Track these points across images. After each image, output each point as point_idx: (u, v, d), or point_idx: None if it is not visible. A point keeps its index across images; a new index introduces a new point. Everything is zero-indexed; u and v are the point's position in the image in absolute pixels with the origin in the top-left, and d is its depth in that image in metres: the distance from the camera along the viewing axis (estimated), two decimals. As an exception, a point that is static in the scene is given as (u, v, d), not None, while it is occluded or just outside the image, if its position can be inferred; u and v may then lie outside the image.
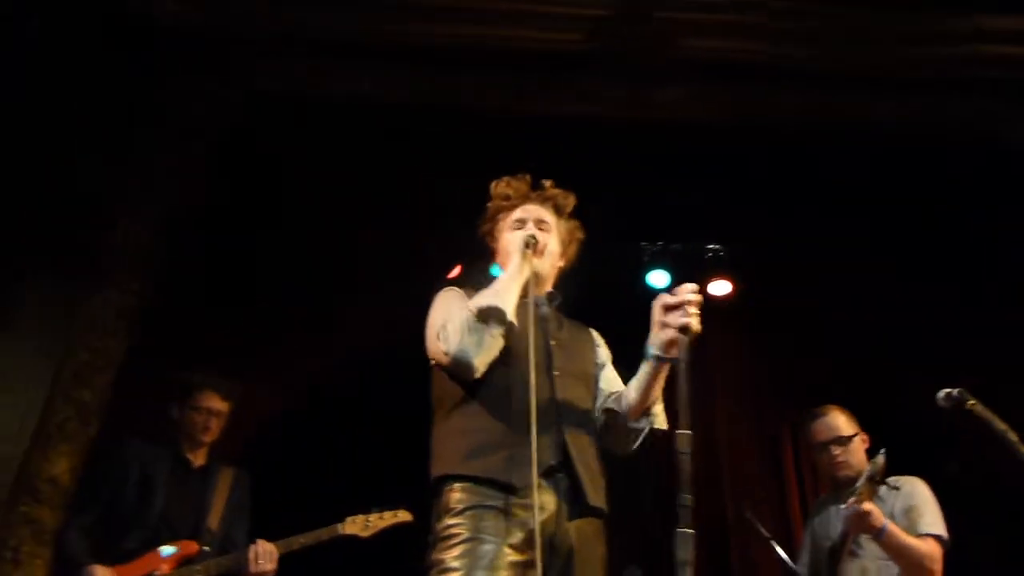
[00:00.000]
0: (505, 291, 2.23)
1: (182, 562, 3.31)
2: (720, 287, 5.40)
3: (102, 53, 4.03)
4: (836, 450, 3.42)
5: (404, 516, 3.55)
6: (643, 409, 2.28)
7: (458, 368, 2.18)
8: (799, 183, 4.82)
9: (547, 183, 2.60)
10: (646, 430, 2.30)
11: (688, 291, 2.06)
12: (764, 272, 5.35)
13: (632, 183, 4.44)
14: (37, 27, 3.77)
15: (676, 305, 2.05)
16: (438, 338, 2.22)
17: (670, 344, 2.10)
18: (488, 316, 2.15)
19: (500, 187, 2.60)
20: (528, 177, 2.59)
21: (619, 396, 2.36)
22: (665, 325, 2.08)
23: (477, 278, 4.06)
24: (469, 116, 4.43)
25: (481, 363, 2.15)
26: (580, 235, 2.64)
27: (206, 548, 3.38)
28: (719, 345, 5.71)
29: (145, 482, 3.40)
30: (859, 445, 3.44)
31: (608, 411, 2.36)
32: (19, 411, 3.66)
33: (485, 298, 2.20)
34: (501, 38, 4.11)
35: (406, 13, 4.04)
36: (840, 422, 3.47)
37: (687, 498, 1.76)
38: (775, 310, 5.54)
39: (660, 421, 2.31)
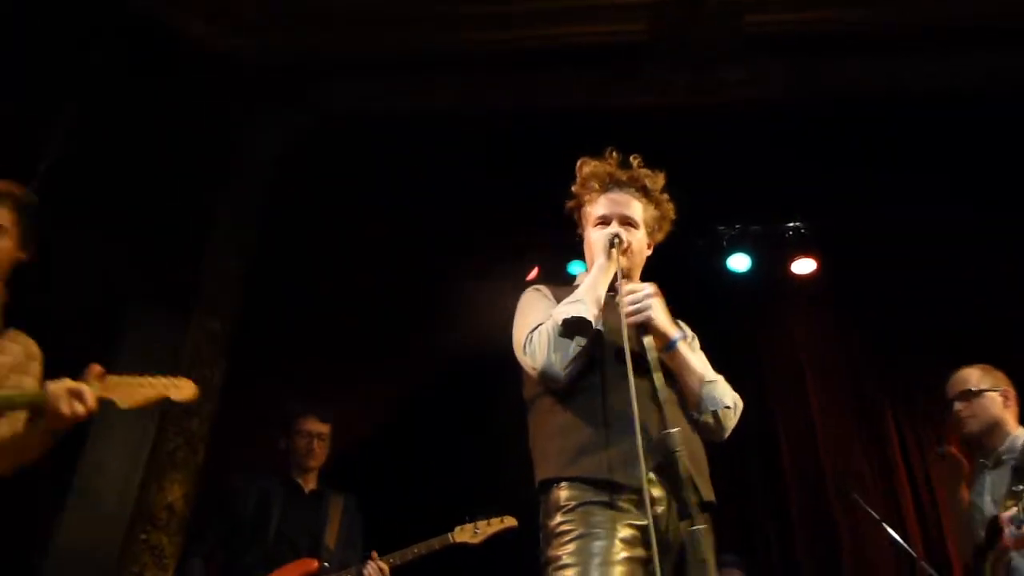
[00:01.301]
0: (589, 296, 2.20)
1: None
2: (804, 265, 5.28)
3: (177, 91, 4.20)
4: (959, 405, 3.22)
5: (510, 522, 3.63)
6: (693, 397, 2.25)
7: (545, 380, 2.20)
8: (877, 151, 4.66)
9: (635, 161, 2.49)
10: (710, 416, 2.25)
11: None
12: (849, 246, 5.19)
13: (705, 168, 4.35)
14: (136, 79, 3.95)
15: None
16: (524, 351, 2.23)
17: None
18: (573, 330, 2.14)
19: (586, 168, 2.50)
20: (615, 156, 2.49)
21: None
22: None
23: (556, 277, 4.09)
24: (537, 119, 4.43)
25: (567, 374, 2.16)
26: (671, 215, 2.52)
27: (326, 564, 3.50)
28: (806, 324, 5.58)
29: (261, 507, 3.57)
30: (990, 402, 3.18)
31: None
32: (131, 444, 3.86)
33: (570, 307, 2.18)
34: (563, 36, 4.09)
35: (468, 22, 4.08)
36: (971, 376, 3.25)
37: (692, 496, 1.83)
38: (862, 284, 5.38)
39: (716, 403, 2.25)
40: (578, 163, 2.53)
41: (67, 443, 3.57)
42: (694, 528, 1.80)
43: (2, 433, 2.17)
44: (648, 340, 2.13)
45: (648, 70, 4.26)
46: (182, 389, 2.21)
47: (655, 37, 4.11)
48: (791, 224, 5.14)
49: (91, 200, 3.94)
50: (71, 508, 3.70)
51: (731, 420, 2.30)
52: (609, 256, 2.26)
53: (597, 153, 2.53)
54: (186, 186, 4.26)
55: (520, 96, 4.39)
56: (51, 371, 2.60)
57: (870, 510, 4.21)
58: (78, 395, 2.05)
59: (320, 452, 3.79)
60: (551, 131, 4.30)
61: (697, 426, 2.27)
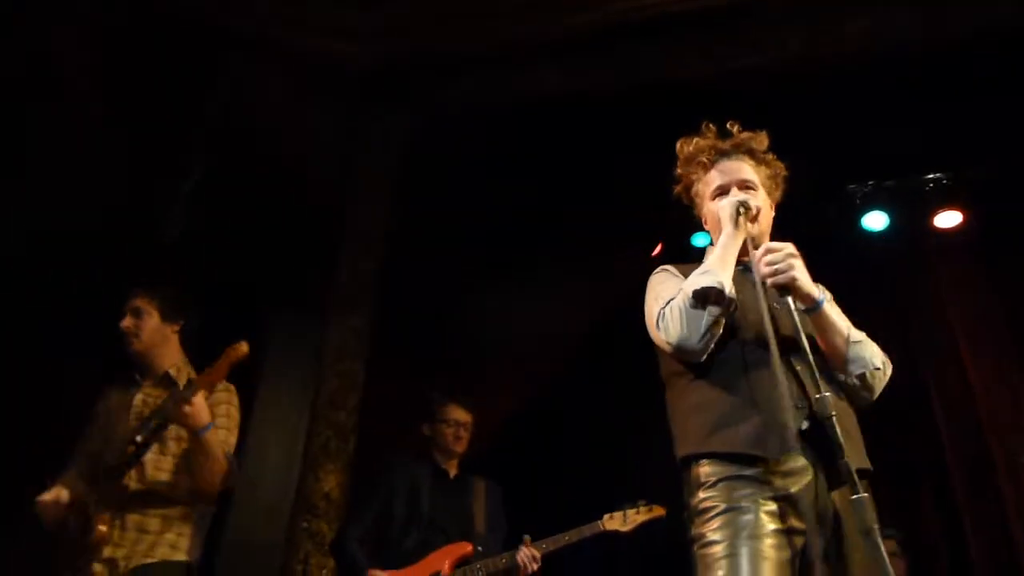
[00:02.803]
0: (720, 266, 2.14)
1: (459, 562, 3.54)
2: (948, 218, 4.96)
3: (298, 105, 4.41)
4: None
5: (659, 511, 3.62)
6: (839, 359, 2.16)
7: (682, 355, 2.15)
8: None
9: (734, 128, 2.42)
10: (857, 378, 2.16)
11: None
12: (997, 196, 4.83)
13: (834, 124, 4.13)
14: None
15: None
16: (658, 327, 2.18)
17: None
18: (705, 299, 2.08)
19: (687, 147, 2.44)
20: (713, 128, 2.43)
21: None
22: None
23: (683, 251, 4.02)
24: (648, 91, 4.35)
25: (704, 347, 2.10)
26: (784, 172, 2.44)
27: (479, 548, 3.60)
28: (956, 281, 5.25)
29: (412, 492, 3.71)
30: None
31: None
32: (287, 438, 4.11)
33: (700, 278, 2.12)
34: (663, 4, 3.99)
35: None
36: None
37: (844, 462, 1.73)
38: (1014, 235, 5.00)
39: (865, 364, 2.15)
40: (677, 145, 2.47)
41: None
42: (855, 497, 1.73)
43: (180, 448, 2.74)
44: (791, 301, 2.03)
45: (759, 29, 4.08)
46: (237, 349, 2.65)
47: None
48: (931, 176, 4.83)
49: (233, 217, 4.22)
50: (238, 501, 4.00)
51: (880, 381, 2.20)
52: (737, 224, 2.19)
53: (714, 119, 2.47)
54: (317, 195, 4.48)
55: (626, 73, 4.30)
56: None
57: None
58: (178, 398, 2.58)
59: (464, 440, 3.88)
60: (664, 104, 4.21)
61: (844, 391, 2.17)
